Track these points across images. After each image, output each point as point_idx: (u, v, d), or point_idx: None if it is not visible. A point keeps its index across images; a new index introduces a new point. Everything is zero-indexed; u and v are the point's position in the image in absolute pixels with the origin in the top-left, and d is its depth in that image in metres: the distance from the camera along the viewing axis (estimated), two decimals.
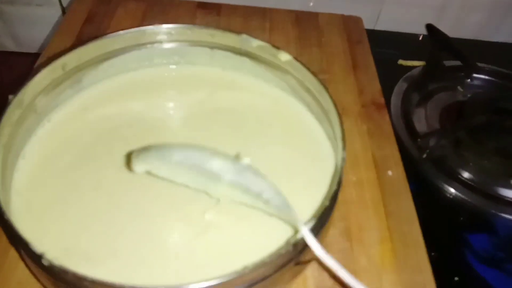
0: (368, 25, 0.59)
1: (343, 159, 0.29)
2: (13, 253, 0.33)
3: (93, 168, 0.33)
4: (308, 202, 0.31)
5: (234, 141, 0.36)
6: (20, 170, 0.32)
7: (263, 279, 0.26)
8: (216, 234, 0.30)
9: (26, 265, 0.31)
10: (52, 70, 0.34)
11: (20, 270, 0.32)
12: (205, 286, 0.23)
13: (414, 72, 0.65)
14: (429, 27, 0.67)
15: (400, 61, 0.67)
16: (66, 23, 0.51)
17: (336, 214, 0.37)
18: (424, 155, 0.52)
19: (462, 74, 0.63)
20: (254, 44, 0.38)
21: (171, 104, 0.39)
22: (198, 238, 0.30)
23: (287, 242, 0.25)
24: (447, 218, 0.48)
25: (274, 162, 0.35)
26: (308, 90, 0.37)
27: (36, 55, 0.77)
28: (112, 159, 0.33)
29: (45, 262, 0.23)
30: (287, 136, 0.37)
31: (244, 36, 0.38)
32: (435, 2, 0.69)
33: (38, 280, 0.30)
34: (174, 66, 0.41)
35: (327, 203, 0.27)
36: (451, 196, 0.48)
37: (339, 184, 0.29)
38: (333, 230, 0.36)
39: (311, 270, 0.34)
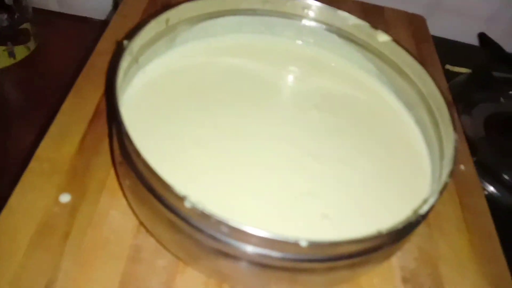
0: None
1: (456, 141, 0.30)
2: (105, 198, 0.32)
3: (189, 120, 0.33)
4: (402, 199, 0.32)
5: (321, 118, 0.36)
6: None
7: (377, 249, 0.26)
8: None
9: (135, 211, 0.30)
10: (157, 23, 0.33)
11: (111, 218, 0.32)
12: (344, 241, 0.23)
13: (459, 79, 0.66)
14: (482, 36, 0.68)
15: (447, 66, 0.68)
16: None
17: None
18: (475, 159, 0.53)
19: (508, 85, 0.64)
20: (351, 22, 0.38)
21: (260, 72, 0.39)
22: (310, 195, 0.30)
23: (415, 212, 0.25)
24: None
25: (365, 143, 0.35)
26: (402, 73, 0.37)
27: (79, 18, 0.76)
28: (206, 112, 0.33)
29: (188, 205, 0.22)
30: (372, 122, 0.37)
31: (340, 12, 0.38)
32: (484, 13, 0.70)
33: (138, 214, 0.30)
34: (263, 37, 0.41)
35: (448, 180, 0.27)
36: (491, 196, 0.49)
37: (454, 165, 0.29)
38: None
39: None
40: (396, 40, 0.37)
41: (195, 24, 0.37)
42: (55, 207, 0.32)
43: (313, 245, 0.22)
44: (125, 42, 0.30)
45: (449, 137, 0.30)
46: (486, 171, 0.52)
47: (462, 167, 0.42)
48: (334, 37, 0.40)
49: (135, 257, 0.30)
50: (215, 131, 0.33)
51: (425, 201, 0.26)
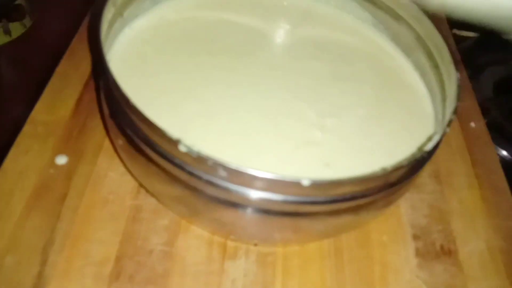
0: None
1: (459, 79, 0.28)
2: (103, 159, 0.31)
3: (179, 72, 0.32)
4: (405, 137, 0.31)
5: (321, 67, 0.35)
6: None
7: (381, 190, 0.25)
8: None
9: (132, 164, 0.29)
10: None
11: (109, 179, 0.31)
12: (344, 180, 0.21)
13: (466, 44, 0.65)
14: None
15: (454, 31, 0.66)
16: None
17: None
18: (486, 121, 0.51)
19: None
20: None
21: (252, 24, 0.37)
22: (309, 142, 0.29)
23: (420, 149, 0.24)
24: None
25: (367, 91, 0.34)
26: (398, 18, 0.36)
27: None
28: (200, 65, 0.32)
29: (182, 149, 0.21)
30: (370, 68, 0.36)
31: None
32: None
33: (134, 173, 0.29)
34: None
35: (453, 117, 0.26)
36: (502, 159, 0.49)
37: (458, 102, 0.27)
38: (422, 172, 0.35)
39: (404, 208, 0.33)
40: None
41: None
42: (51, 169, 0.30)
43: (316, 184, 0.21)
44: None
45: (451, 76, 0.29)
46: (497, 133, 0.50)
47: (472, 124, 0.40)
48: None
49: (135, 217, 0.29)
50: (208, 82, 0.31)
51: (429, 138, 0.25)
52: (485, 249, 0.32)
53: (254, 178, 0.21)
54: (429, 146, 0.24)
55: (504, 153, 0.51)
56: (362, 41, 0.38)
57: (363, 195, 0.24)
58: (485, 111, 0.52)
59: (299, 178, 0.21)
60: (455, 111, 0.26)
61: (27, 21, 0.66)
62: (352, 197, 0.24)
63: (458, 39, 0.64)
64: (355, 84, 0.34)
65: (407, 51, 0.37)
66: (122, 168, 0.31)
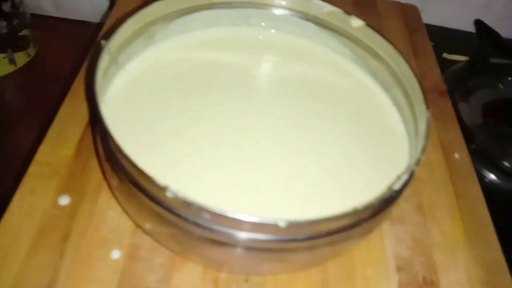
0: None
1: (428, 118, 0.30)
2: (103, 199, 0.33)
3: (170, 113, 0.34)
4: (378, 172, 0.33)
5: (300, 103, 0.37)
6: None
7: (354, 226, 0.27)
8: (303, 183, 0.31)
9: (125, 207, 0.31)
10: (135, 22, 0.34)
11: (109, 218, 0.33)
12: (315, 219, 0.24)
13: (456, 67, 0.66)
14: (478, 22, 0.68)
15: (445, 55, 0.68)
16: None
17: (408, 191, 0.38)
18: (473, 146, 0.53)
19: (506, 71, 0.64)
20: (325, 9, 0.39)
21: (238, 63, 0.40)
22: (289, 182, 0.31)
23: (389, 188, 0.26)
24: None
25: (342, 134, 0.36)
26: (377, 57, 0.38)
27: (76, 21, 0.77)
28: (187, 105, 0.35)
29: (169, 195, 0.23)
30: (350, 104, 0.38)
31: (315, 1, 0.39)
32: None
33: (129, 212, 0.31)
34: (240, 28, 0.41)
35: (421, 156, 0.28)
36: (491, 183, 0.50)
37: (427, 141, 0.30)
38: (406, 204, 0.37)
39: (388, 240, 0.35)
40: (369, 25, 0.37)
41: (172, 20, 0.38)
42: (54, 209, 0.32)
43: (292, 224, 0.23)
44: (102, 42, 0.31)
45: (423, 115, 0.31)
46: (485, 158, 0.52)
47: (456, 155, 0.42)
48: (310, 25, 0.41)
49: (133, 256, 0.31)
50: (194, 120, 0.34)
51: (399, 177, 0.27)
52: (466, 280, 0.34)
53: (235, 220, 0.23)
54: (397, 185, 0.26)
55: (492, 176, 0.52)
56: (343, 77, 0.40)
57: (337, 231, 0.26)
58: (472, 137, 0.54)
59: (276, 219, 0.23)
60: (424, 150, 0.28)
61: (31, 50, 0.69)
62: (328, 233, 0.26)
63: (448, 63, 0.67)
64: (335, 120, 0.36)
65: (386, 87, 0.39)
66: (120, 208, 0.33)
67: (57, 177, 0.34)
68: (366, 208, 0.25)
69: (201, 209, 0.24)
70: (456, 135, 0.44)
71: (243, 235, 0.25)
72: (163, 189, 0.24)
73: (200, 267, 0.31)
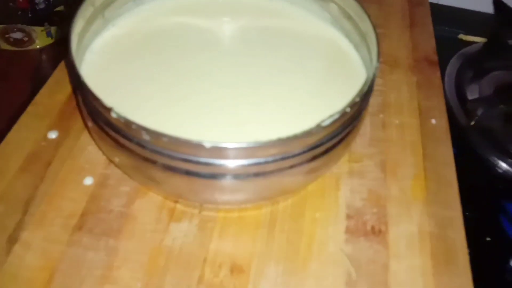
0: None
1: (376, 68, 0.31)
2: (85, 136, 0.38)
3: (151, 61, 0.38)
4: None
5: (273, 59, 0.39)
6: (87, 61, 0.36)
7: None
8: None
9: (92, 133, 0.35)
10: None
11: (88, 152, 0.37)
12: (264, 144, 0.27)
13: (472, 48, 0.65)
14: (497, 2, 0.66)
15: (461, 36, 0.66)
16: None
17: (374, 149, 0.39)
18: (472, 122, 0.52)
19: None
20: None
21: (220, 24, 0.43)
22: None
23: (318, 124, 0.28)
24: (487, 184, 0.49)
25: (310, 76, 0.38)
26: (349, 17, 0.39)
27: None
28: (167, 57, 0.38)
29: (113, 115, 0.27)
30: (323, 60, 0.40)
31: None
32: None
33: (101, 148, 0.35)
34: None
35: (356, 99, 0.29)
36: (494, 165, 0.49)
37: (372, 84, 0.31)
38: (369, 161, 0.38)
39: (344, 191, 0.36)
40: None
41: None
42: (43, 142, 0.37)
43: (215, 147, 0.26)
44: None
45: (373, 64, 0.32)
46: (486, 138, 0.51)
47: (433, 121, 0.42)
48: None
49: (103, 183, 0.35)
50: (166, 71, 0.37)
51: (330, 116, 0.28)
52: (416, 232, 0.34)
53: (172, 141, 0.26)
54: (326, 122, 0.28)
55: (496, 160, 0.50)
56: (318, 36, 0.42)
57: (273, 160, 0.28)
58: (473, 115, 0.53)
59: (201, 140, 0.26)
60: (360, 93, 0.30)
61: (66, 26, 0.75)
62: (267, 161, 0.28)
63: (465, 43, 0.65)
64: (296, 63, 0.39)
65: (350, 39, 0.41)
66: None
67: (50, 116, 0.39)
68: (290, 139, 0.27)
69: (140, 128, 0.27)
70: (438, 103, 0.44)
71: (191, 159, 0.28)
72: (108, 109, 0.27)
73: (160, 198, 0.35)
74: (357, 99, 0.30)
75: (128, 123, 0.27)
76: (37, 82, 0.73)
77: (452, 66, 0.60)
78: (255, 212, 0.34)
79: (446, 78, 0.57)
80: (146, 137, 0.27)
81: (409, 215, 0.35)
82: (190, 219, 0.34)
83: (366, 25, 0.36)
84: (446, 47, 0.57)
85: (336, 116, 0.29)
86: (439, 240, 0.34)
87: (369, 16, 0.36)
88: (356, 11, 0.38)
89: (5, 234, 0.32)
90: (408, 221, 0.35)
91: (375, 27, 0.35)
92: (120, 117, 0.27)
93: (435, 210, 0.36)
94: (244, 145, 0.27)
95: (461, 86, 0.57)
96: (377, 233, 0.34)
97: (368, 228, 0.34)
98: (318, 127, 0.28)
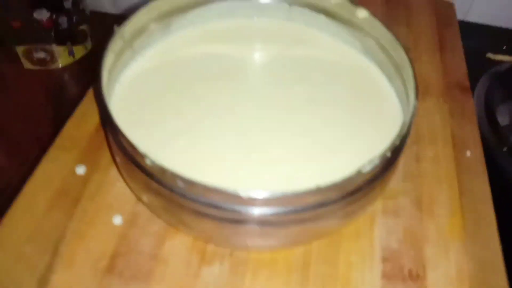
0: (458, 15, 0.58)
1: (415, 107, 0.30)
2: (114, 171, 0.37)
3: (179, 94, 0.37)
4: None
5: (304, 90, 0.39)
6: (117, 94, 0.36)
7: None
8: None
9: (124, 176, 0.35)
10: (148, 11, 0.37)
11: (117, 188, 0.36)
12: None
13: (502, 67, 0.63)
14: None
15: (489, 55, 0.65)
16: None
17: (409, 185, 0.38)
18: (505, 149, 0.51)
19: None
20: (333, 1, 0.39)
21: (250, 53, 0.42)
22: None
23: (358, 170, 0.27)
24: None
25: (342, 109, 0.37)
26: (383, 48, 0.38)
27: None
28: (195, 89, 0.38)
29: (148, 162, 0.26)
30: (356, 91, 0.39)
31: None
32: None
33: (129, 185, 0.34)
34: (254, 19, 0.43)
35: (397, 142, 0.28)
36: None
37: (410, 126, 0.30)
38: (404, 198, 0.37)
39: (379, 231, 0.35)
40: (373, 15, 0.38)
41: (188, 11, 0.41)
42: (71, 177, 0.37)
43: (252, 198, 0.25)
44: (115, 26, 0.35)
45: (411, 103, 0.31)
46: None
47: (468, 153, 0.41)
48: (322, 16, 0.42)
49: (132, 222, 0.35)
50: (196, 105, 0.36)
51: (370, 161, 0.27)
52: (455, 276, 0.33)
53: (205, 188, 0.25)
54: (366, 168, 0.27)
55: None
56: (349, 64, 0.41)
57: (308, 208, 0.27)
58: (506, 139, 0.52)
59: (237, 189, 0.25)
60: (399, 136, 0.29)
61: (88, 44, 0.75)
62: (302, 209, 0.27)
63: (493, 63, 0.64)
64: (337, 106, 0.38)
65: (390, 78, 0.39)
66: None
67: (77, 149, 0.39)
68: (330, 187, 0.26)
69: (175, 176, 0.26)
70: (472, 132, 0.43)
71: (226, 207, 0.27)
72: (143, 156, 0.27)
73: (190, 239, 0.34)
74: (397, 142, 0.29)
75: (163, 170, 0.26)
76: (59, 99, 0.74)
77: (481, 86, 0.59)
78: (288, 253, 0.33)
79: (475, 100, 0.56)
80: (181, 184, 0.26)
81: (447, 258, 0.34)
82: (221, 261, 0.33)
83: (401, 58, 0.35)
84: (473, 65, 0.55)
85: (376, 162, 0.28)
86: (479, 284, 0.32)
87: (405, 50, 0.35)
88: (391, 42, 0.36)
89: (35, 275, 0.32)
90: (446, 264, 0.33)
91: (411, 61, 0.34)
92: (155, 165, 0.26)
93: (474, 251, 0.34)
94: (281, 194, 0.26)
95: (491, 107, 0.56)
96: (415, 278, 0.33)
97: (405, 273, 0.33)
98: (359, 173, 0.27)
